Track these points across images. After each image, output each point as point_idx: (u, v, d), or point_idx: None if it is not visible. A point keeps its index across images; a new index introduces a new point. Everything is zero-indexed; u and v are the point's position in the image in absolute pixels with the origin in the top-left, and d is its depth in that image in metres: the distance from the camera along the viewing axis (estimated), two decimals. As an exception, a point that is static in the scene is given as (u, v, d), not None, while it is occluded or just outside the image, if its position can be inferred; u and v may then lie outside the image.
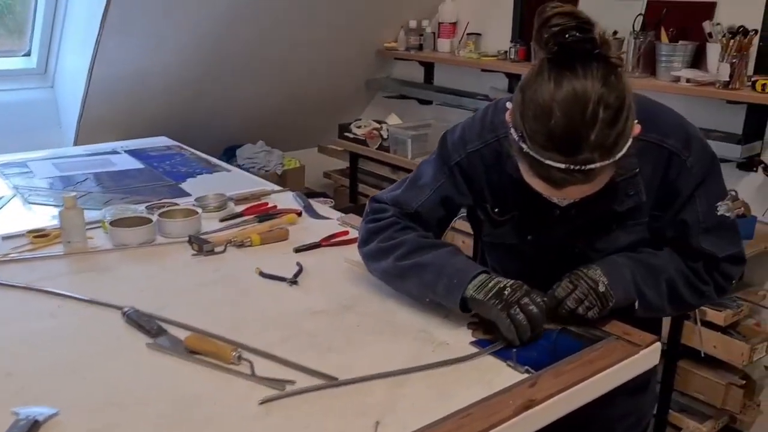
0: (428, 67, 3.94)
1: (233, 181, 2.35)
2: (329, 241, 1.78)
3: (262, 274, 1.58)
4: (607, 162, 1.10)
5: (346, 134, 3.86)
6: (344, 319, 1.38)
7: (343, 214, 2.03)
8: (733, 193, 2.51)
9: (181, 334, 1.28)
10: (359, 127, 3.81)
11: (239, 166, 3.74)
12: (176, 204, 1.98)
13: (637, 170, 1.30)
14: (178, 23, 3.08)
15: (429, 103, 3.88)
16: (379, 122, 3.87)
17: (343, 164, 4.06)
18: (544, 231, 1.41)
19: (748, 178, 2.67)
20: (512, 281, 1.30)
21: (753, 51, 2.55)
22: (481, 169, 1.42)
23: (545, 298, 1.29)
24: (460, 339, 1.30)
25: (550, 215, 1.38)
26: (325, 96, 3.99)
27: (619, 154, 1.12)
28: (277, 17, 3.33)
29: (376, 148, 3.68)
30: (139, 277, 1.59)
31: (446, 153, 1.47)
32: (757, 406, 2.58)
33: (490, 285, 1.28)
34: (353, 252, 1.67)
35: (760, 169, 2.58)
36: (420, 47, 3.79)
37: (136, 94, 3.30)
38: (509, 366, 1.20)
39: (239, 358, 1.19)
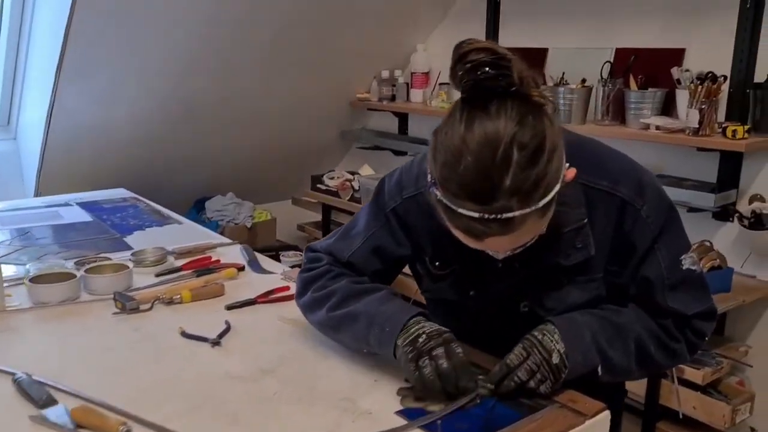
0: (402, 118, 3.88)
1: (182, 234, 2.23)
2: (266, 298, 1.66)
3: (184, 334, 1.46)
4: (527, 210, 1.00)
5: (319, 186, 3.77)
6: (262, 385, 1.25)
7: (288, 269, 1.91)
8: (708, 243, 2.40)
9: (76, 404, 1.14)
10: (332, 178, 3.73)
11: (208, 219, 3.64)
12: (108, 258, 1.87)
13: (585, 220, 1.19)
14: (139, 72, 3.02)
15: (404, 153, 3.80)
16: (353, 173, 3.79)
17: (318, 216, 3.96)
18: (487, 286, 1.30)
19: (724, 229, 2.56)
20: (435, 328, 1.19)
21: (723, 97, 2.48)
22: (419, 217, 1.32)
23: (460, 352, 1.16)
24: (386, 407, 1.17)
25: (492, 269, 1.27)
26: (298, 147, 3.92)
27: (543, 201, 1.01)
28: (245, 67, 3.28)
29: (348, 200, 3.58)
30: (50, 338, 1.46)
31: (382, 199, 1.37)
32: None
33: (411, 331, 1.18)
34: (290, 309, 1.57)
35: (735, 219, 2.48)
36: (393, 98, 3.73)
37: (98, 145, 3.22)
38: (433, 439, 1.07)
39: (127, 432, 1.05)
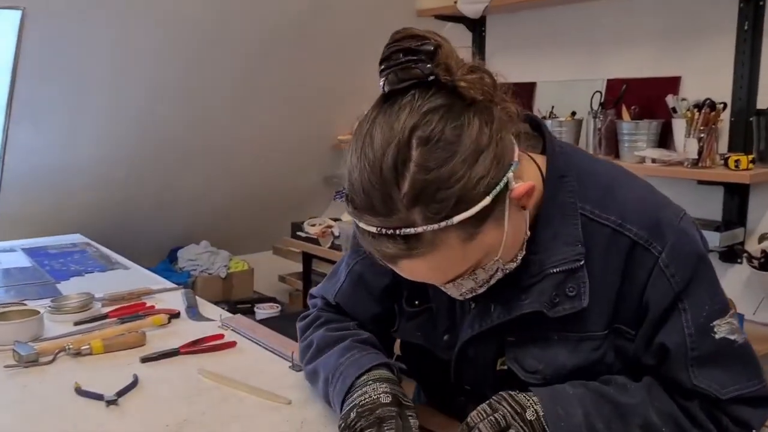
0: (388, 161, 3.69)
1: (124, 280, 2.01)
2: (192, 348, 1.41)
3: (79, 392, 1.21)
4: (435, 226, 0.80)
5: (299, 233, 3.55)
6: (150, 454, 1.00)
7: (230, 315, 1.67)
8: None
9: None
10: (312, 225, 3.51)
11: (180, 270, 3.42)
12: (23, 304, 1.63)
13: (581, 262, 0.94)
14: (98, 110, 2.84)
15: (389, 198, 3.59)
16: (336, 220, 3.57)
17: (300, 267, 3.73)
18: (459, 332, 1.06)
19: (732, 271, 2.30)
20: (371, 399, 0.98)
21: (724, 127, 2.27)
22: None
23: None
24: (298, 484, 0.92)
25: (466, 310, 1.05)
26: (278, 193, 3.72)
27: (460, 217, 0.80)
28: (215, 105, 3.11)
29: (329, 247, 3.35)
30: None
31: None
32: None
33: (353, 397, 1.00)
34: (218, 360, 1.34)
35: (744, 260, 2.22)
36: (376, 139, 3.54)
37: (58, 189, 3.02)
38: None
39: None
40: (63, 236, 2.67)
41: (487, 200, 0.81)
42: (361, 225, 0.85)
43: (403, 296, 1.14)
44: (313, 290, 1.31)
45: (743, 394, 0.94)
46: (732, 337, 0.94)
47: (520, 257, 0.94)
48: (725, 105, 2.22)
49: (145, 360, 1.36)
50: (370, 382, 1.01)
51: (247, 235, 3.80)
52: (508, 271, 0.95)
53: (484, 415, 0.93)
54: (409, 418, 0.98)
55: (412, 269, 0.87)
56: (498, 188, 0.82)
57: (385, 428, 0.94)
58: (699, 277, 0.93)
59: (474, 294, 0.96)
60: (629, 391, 0.95)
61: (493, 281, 0.94)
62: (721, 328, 0.93)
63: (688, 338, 0.92)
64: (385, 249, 0.84)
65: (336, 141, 3.65)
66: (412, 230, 0.80)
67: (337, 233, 3.32)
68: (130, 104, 2.90)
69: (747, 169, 2.06)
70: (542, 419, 0.90)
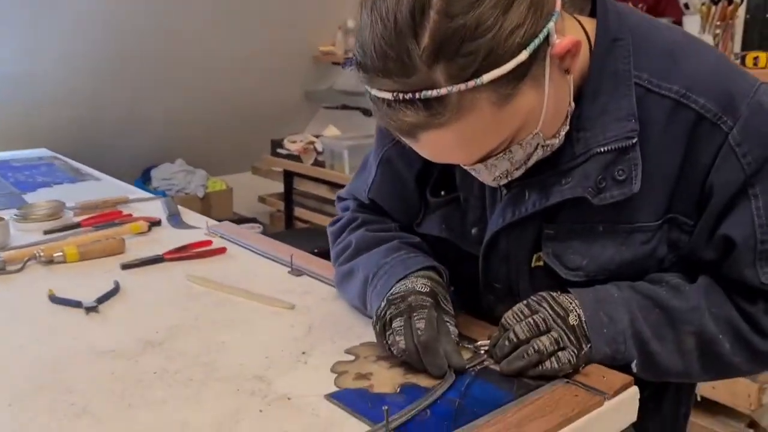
0: (372, 74, 3.50)
1: (96, 191, 1.84)
2: (178, 254, 1.27)
3: (54, 299, 1.07)
4: (462, 86, 0.67)
5: (279, 151, 3.37)
6: (139, 362, 0.87)
7: (216, 222, 1.52)
8: None
9: None
10: (293, 142, 3.33)
11: (154, 189, 3.25)
12: (-14, 212, 1.47)
13: (635, 140, 0.80)
14: (66, 14, 2.60)
15: (374, 114, 3.42)
16: (318, 136, 3.40)
17: (281, 187, 3.57)
18: (490, 222, 0.93)
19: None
20: (403, 290, 0.87)
21: (739, 25, 2.12)
22: None
23: (419, 328, 0.82)
24: (313, 389, 0.80)
25: (496, 199, 0.91)
26: (256, 108, 3.52)
27: (490, 75, 0.67)
28: (189, 10, 2.87)
29: (311, 164, 3.19)
30: None
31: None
32: (768, 459, 2.07)
33: (396, 290, 0.88)
34: (207, 266, 1.21)
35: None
36: (361, 50, 3.34)
37: (24, 101, 2.81)
38: (382, 436, 0.70)
39: None
40: (26, 151, 2.48)
41: (524, 55, 0.68)
42: (374, 92, 0.71)
43: (428, 185, 1.01)
44: (340, 192, 1.18)
45: None
46: None
47: (563, 133, 0.81)
48: (742, 0, 2.07)
49: (126, 267, 1.22)
50: (412, 277, 0.89)
51: (225, 154, 3.62)
52: (549, 150, 0.81)
53: (522, 316, 0.82)
54: (447, 323, 0.86)
55: (435, 144, 0.74)
56: (536, 42, 0.69)
57: (415, 318, 0.82)
58: None
59: (509, 179, 0.83)
60: (683, 294, 0.83)
61: (531, 162, 0.81)
62: None
63: (758, 229, 0.80)
64: (403, 118, 0.71)
65: (317, 53, 3.45)
66: (434, 92, 0.67)
67: (320, 149, 3.15)
68: (100, 8, 2.66)
69: (766, 68, 1.93)
70: (584, 325, 0.79)
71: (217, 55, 3.15)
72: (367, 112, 3.48)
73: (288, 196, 3.41)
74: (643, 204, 0.83)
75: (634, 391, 0.79)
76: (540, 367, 0.78)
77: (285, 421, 0.73)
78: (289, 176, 3.38)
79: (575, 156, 0.82)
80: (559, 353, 0.78)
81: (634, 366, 0.80)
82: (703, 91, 0.79)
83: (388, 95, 0.70)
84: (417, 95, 0.68)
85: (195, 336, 0.95)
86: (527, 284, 0.91)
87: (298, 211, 3.41)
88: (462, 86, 0.67)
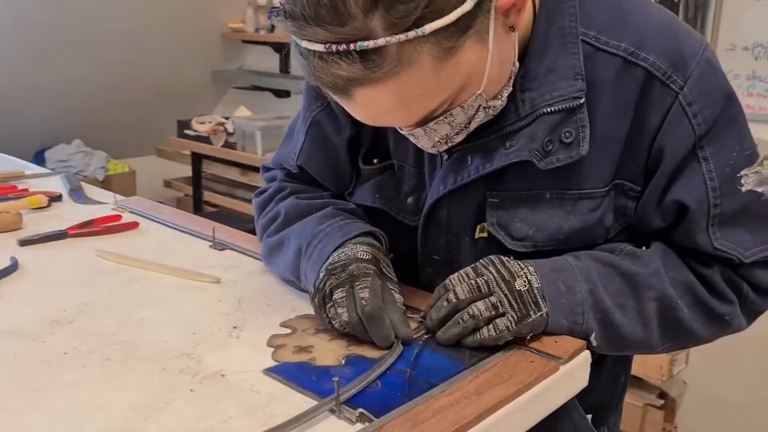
0: (285, 53, 3.38)
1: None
2: (83, 230, 1.16)
3: (-61, 278, 0.94)
4: (401, 36, 0.62)
5: (187, 132, 3.21)
6: (47, 343, 0.77)
7: (126, 198, 1.40)
8: None
9: None
10: (202, 123, 3.19)
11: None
12: None
13: (581, 100, 0.77)
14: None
15: (287, 94, 3.33)
16: (228, 118, 3.26)
17: (188, 171, 3.40)
18: (429, 191, 0.88)
19: None
20: (343, 259, 0.81)
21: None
22: None
23: (364, 298, 0.76)
24: (248, 364, 0.72)
25: (435, 166, 0.86)
26: (161, 90, 3.34)
27: (433, 25, 0.63)
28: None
29: (222, 146, 3.06)
30: None
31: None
32: (675, 429, 2.15)
33: (335, 259, 0.82)
34: (117, 242, 1.11)
35: None
36: (272, 28, 3.23)
37: None
38: (332, 412, 0.63)
39: None
40: None
41: (468, 5, 0.64)
42: (304, 44, 0.65)
43: (360, 153, 0.95)
44: (266, 162, 1.10)
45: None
46: (760, 190, 0.80)
47: (506, 93, 0.76)
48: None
49: (24, 243, 1.10)
50: (350, 244, 0.83)
51: (127, 135, 3.41)
52: (491, 113, 0.77)
53: (465, 278, 0.77)
54: (392, 291, 0.80)
55: (371, 103, 0.68)
56: None
57: (358, 287, 0.76)
58: (727, 117, 0.78)
59: (449, 144, 0.78)
60: (641, 259, 0.81)
61: (473, 126, 0.77)
62: (749, 179, 0.80)
63: (710, 193, 0.78)
64: (337, 72, 0.65)
65: (226, 29, 3.30)
66: (371, 43, 0.62)
67: (231, 130, 3.03)
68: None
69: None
70: (535, 291, 0.75)
71: (116, 32, 2.96)
72: (278, 94, 3.38)
73: (196, 180, 3.27)
74: (591, 169, 0.80)
75: (586, 355, 0.77)
76: (477, 335, 0.74)
77: (222, 400, 0.66)
78: (197, 159, 3.24)
79: (520, 117, 0.78)
80: (497, 320, 0.74)
81: (593, 339, 0.77)
82: (652, 48, 0.77)
83: (319, 47, 0.64)
84: (352, 46, 0.63)
85: (109, 314, 0.85)
86: (469, 256, 0.87)
87: (207, 195, 3.27)
88: (402, 36, 0.62)
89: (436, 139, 0.76)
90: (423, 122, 0.73)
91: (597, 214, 0.81)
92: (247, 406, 0.65)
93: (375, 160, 0.93)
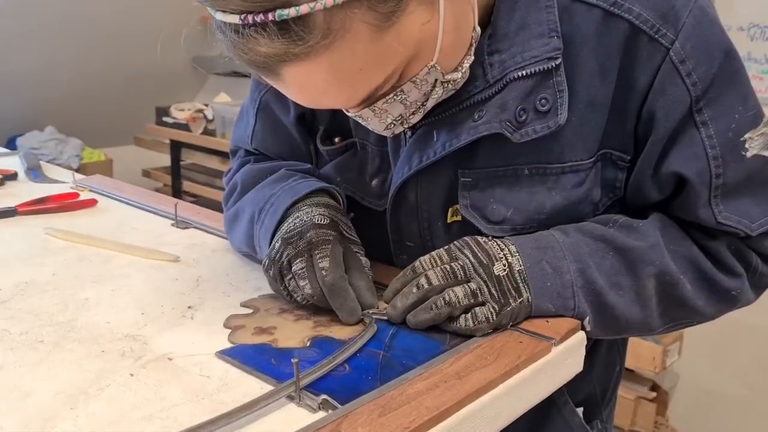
0: (266, 40, 3.29)
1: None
2: (34, 206, 1.06)
3: None
4: (327, 1, 0.52)
5: (165, 119, 3.11)
6: (-27, 323, 0.68)
7: (85, 177, 1.31)
8: None
9: None
10: (181, 110, 3.08)
11: (21, 159, 2.91)
12: None
13: (558, 61, 0.68)
14: None
15: (268, 81, 3.22)
16: (207, 105, 3.16)
17: (167, 160, 3.30)
18: (394, 172, 0.79)
19: None
20: (299, 225, 0.72)
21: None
22: None
23: (324, 267, 0.68)
24: (200, 347, 0.64)
25: (399, 143, 0.77)
26: (138, 76, 3.24)
27: None
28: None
29: (201, 133, 2.96)
30: None
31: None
32: (667, 422, 2.09)
33: (281, 229, 0.74)
34: (73, 221, 1.03)
35: None
36: (253, 12, 3.13)
37: None
38: (290, 398, 0.55)
39: None
40: None
41: None
42: (219, 16, 0.55)
43: (318, 133, 0.87)
44: (231, 142, 1.02)
45: None
46: (766, 153, 0.71)
47: (467, 64, 0.67)
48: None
49: (-33, 219, 1.01)
50: (305, 207, 0.74)
51: (103, 123, 3.31)
52: (451, 88, 0.68)
53: (438, 262, 0.69)
54: (356, 254, 0.72)
55: (302, 82, 0.59)
56: None
57: (317, 255, 0.68)
58: (726, 74, 0.69)
59: (405, 126, 0.69)
60: (638, 232, 0.72)
61: (430, 104, 0.68)
62: (754, 143, 0.71)
63: (712, 162, 0.70)
64: (256, 48, 0.55)
65: (207, 12, 3.20)
66: (292, 10, 0.52)
67: (210, 116, 2.93)
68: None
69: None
70: (516, 274, 0.67)
71: (90, 17, 2.85)
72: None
73: (175, 169, 3.17)
74: (575, 139, 0.71)
75: (581, 336, 0.69)
76: (453, 323, 0.65)
77: (164, 385, 0.57)
78: (176, 147, 3.14)
79: (489, 84, 0.69)
80: (476, 309, 0.65)
81: (587, 323, 0.69)
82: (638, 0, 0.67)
83: (234, 18, 0.54)
84: (270, 16, 0.53)
85: (50, 294, 0.76)
86: (443, 242, 0.78)
87: (187, 185, 3.17)
88: (329, 1, 0.52)
89: (389, 120, 0.67)
90: (369, 102, 0.64)
91: (583, 189, 0.73)
92: (193, 391, 0.56)
93: (336, 140, 0.85)
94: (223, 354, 0.62)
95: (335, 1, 0.52)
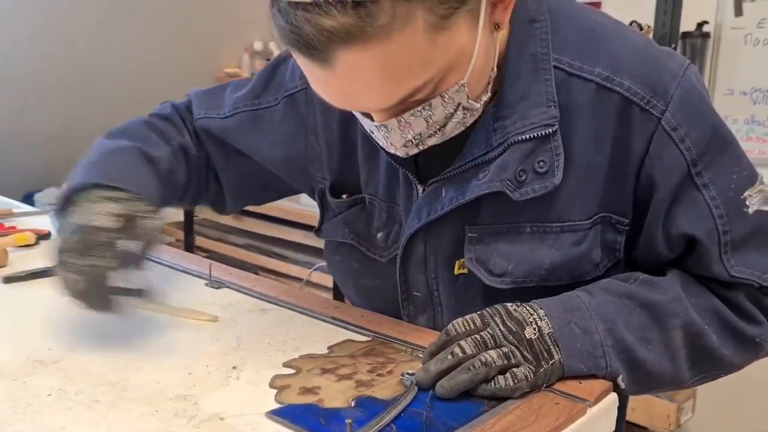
0: (279, 99, 3.38)
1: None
2: (72, 266, 1.10)
3: None
4: None
5: (180, 176, 3.17)
6: (28, 383, 0.71)
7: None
8: None
9: None
10: (195, 166, 3.14)
11: (38, 215, 2.95)
12: None
13: (555, 127, 0.74)
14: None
15: (280, 139, 3.30)
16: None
17: (180, 215, 3.35)
18: (403, 224, 0.84)
19: None
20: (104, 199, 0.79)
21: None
22: (325, 122, 0.90)
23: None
24: (249, 407, 0.66)
25: (410, 198, 0.83)
26: (154, 132, 3.31)
27: None
28: (78, 20, 2.67)
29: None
30: None
31: (282, 74, 0.94)
32: (682, 482, 2.07)
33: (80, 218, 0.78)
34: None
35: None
36: (268, 73, 3.23)
37: None
38: (341, 457, 0.58)
39: None
40: None
41: None
42: None
43: (325, 185, 0.92)
44: (175, 102, 1.08)
45: None
46: (766, 208, 0.77)
47: (485, 99, 0.74)
48: (649, 27, 2.14)
49: (9, 280, 1.04)
50: (99, 203, 0.79)
51: (117, 180, 3.36)
52: (469, 118, 0.74)
53: (471, 326, 0.71)
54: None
55: (353, 69, 0.63)
56: None
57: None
58: (718, 138, 0.75)
59: (420, 147, 0.74)
60: (660, 286, 0.76)
61: (448, 128, 0.73)
62: (754, 199, 0.76)
63: (718, 221, 0.75)
64: (324, 23, 0.59)
65: (221, 74, 3.30)
66: None
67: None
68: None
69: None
70: (546, 337, 0.70)
71: (108, 76, 2.95)
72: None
73: (188, 225, 3.21)
74: (573, 200, 0.77)
75: (613, 397, 0.71)
76: (492, 384, 0.68)
77: (220, 446, 0.60)
78: (189, 210, 3.18)
79: (492, 147, 0.76)
80: (514, 369, 0.68)
81: (621, 381, 0.72)
82: (627, 73, 0.74)
83: None
84: None
85: (98, 353, 0.79)
86: (449, 294, 0.83)
87: (200, 240, 3.21)
88: None
89: (409, 136, 0.72)
90: (400, 108, 0.69)
91: (582, 248, 0.78)
92: (249, 451, 0.59)
93: (344, 195, 0.90)
94: (274, 414, 0.65)
95: None
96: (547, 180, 0.74)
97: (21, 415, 0.64)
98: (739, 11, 2.19)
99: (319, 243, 1.01)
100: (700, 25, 2.29)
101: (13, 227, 1.36)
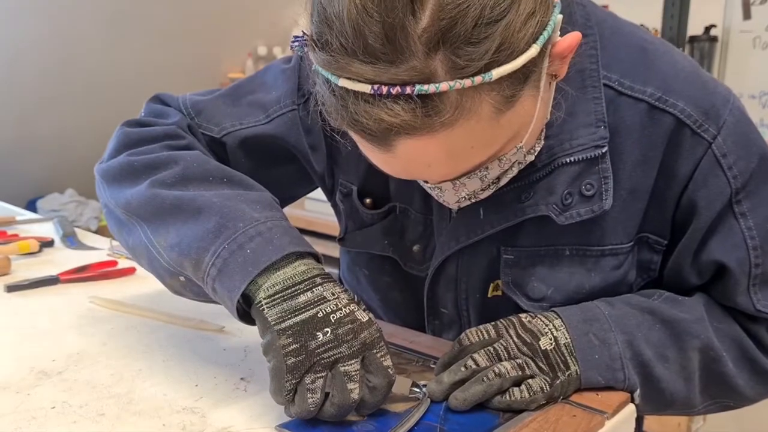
0: (283, 104, 3.37)
1: (-25, 212, 1.60)
2: (75, 275, 1.08)
3: None
4: (468, 81, 0.53)
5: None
6: (32, 396, 0.70)
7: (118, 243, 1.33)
8: None
9: None
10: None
11: (41, 221, 2.94)
12: None
13: (605, 149, 0.71)
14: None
15: (284, 145, 3.29)
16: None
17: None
18: (437, 242, 0.81)
19: None
20: (350, 309, 0.63)
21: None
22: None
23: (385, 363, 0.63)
24: (257, 420, 0.65)
25: (446, 214, 0.79)
26: (158, 138, 3.30)
27: (498, 71, 0.54)
28: (82, 27, 2.66)
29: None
30: None
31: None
32: (693, 491, 2.04)
33: (299, 287, 0.62)
34: (112, 288, 1.05)
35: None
36: (271, 79, 3.23)
37: None
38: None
39: None
40: None
41: (534, 50, 0.56)
42: (342, 83, 0.55)
43: (351, 189, 0.86)
44: (166, 94, 0.92)
45: None
46: None
47: (539, 148, 0.71)
48: (656, 31, 2.12)
49: (12, 288, 1.02)
50: (318, 280, 0.64)
51: (121, 186, 3.35)
52: (521, 167, 0.71)
53: (485, 336, 0.70)
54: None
55: (414, 155, 0.59)
56: (545, 34, 0.57)
57: (378, 356, 0.62)
58: (763, 169, 0.73)
59: (472, 201, 0.71)
60: (683, 305, 0.74)
61: (502, 182, 0.70)
62: None
63: (751, 252, 0.73)
64: (386, 117, 0.55)
65: (225, 79, 3.29)
66: (432, 87, 0.53)
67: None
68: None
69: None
70: (563, 348, 0.68)
71: (113, 83, 2.94)
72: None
73: (191, 230, 3.20)
74: (615, 224, 0.74)
75: (631, 409, 0.70)
76: (507, 396, 0.66)
77: (230, 461, 0.58)
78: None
79: (537, 168, 0.72)
80: (530, 381, 0.66)
81: (636, 396, 0.70)
82: (681, 95, 0.71)
83: (365, 87, 0.54)
84: (408, 89, 0.53)
85: (104, 364, 0.77)
86: (479, 314, 0.80)
87: (203, 246, 3.20)
88: (467, 82, 0.53)
89: (463, 195, 0.69)
90: (460, 176, 0.66)
91: (621, 271, 0.76)
92: (259, 467, 0.57)
93: (368, 200, 0.86)
94: (284, 427, 0.63)
95: (473, 82, 0.54)
96: (594, 203, 0.72)
97: (25, 429, 0.63)
98: (747, 14, 2.17)
99: (326, 250, 0.98)
100: (707, 28, 2.28)
101: (16, 235, 1.34)
